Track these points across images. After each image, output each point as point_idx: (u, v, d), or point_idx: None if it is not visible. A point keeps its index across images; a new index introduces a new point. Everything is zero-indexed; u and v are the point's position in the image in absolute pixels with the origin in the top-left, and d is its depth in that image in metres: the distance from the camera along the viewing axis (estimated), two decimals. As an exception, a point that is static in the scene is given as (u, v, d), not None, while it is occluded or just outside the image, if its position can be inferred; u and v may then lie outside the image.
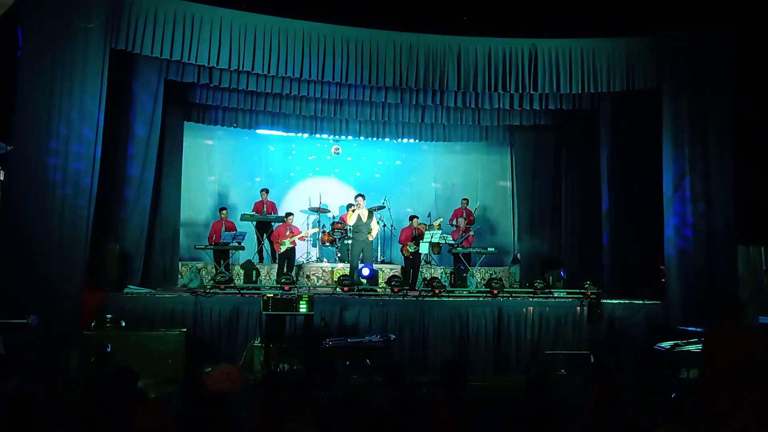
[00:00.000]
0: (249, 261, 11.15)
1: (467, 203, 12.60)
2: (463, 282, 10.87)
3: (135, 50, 9.10)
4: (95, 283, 8.97)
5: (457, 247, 11.31)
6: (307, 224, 12.76)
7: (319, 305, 8.77)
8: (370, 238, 10.56)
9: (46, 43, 8.45)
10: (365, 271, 10.19)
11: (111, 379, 4.46)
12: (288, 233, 11.09)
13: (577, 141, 12.01)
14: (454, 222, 12.21)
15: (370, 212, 10.74)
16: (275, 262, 11.49)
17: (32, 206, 8.28)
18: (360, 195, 10.75)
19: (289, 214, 11.41)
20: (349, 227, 11.04)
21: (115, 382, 4.41)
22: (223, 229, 11.18)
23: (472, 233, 11.96)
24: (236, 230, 11.05)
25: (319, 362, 8.02)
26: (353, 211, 10.65)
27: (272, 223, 11.61)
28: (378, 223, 11.38)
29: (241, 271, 11.05)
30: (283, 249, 10.98)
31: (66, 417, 4.23)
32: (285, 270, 10.93)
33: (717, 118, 9.67)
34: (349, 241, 11.32)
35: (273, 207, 12.16)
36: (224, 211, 11.60)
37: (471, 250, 11.42)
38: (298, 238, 11.21)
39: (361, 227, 10.49)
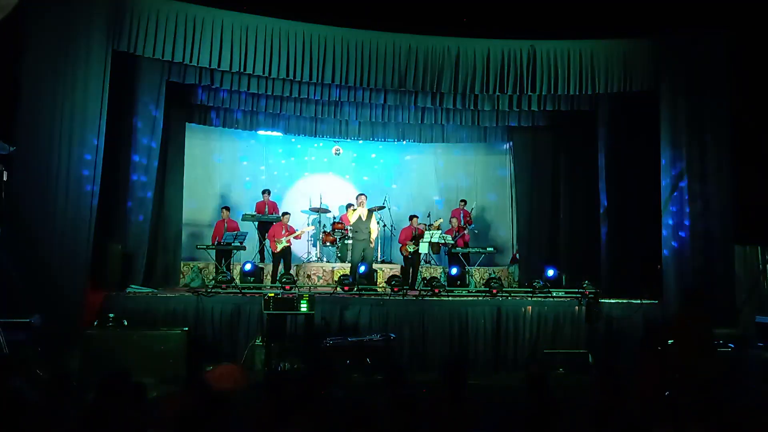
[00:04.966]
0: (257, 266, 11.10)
1: (465, 204, 12.67)
2: (461, 283, 10.91)
3: (137, 52, 9.17)
4: (98, 283, 9.03)
5: (455, 247, 11.36)
6: (308, 224, 12.83)
7: (320, 305, 8.84)
8: (372, 241, 10.65)
9: (49, 44, 8.50)
10: (361, 268, 10.31)
11: (104, 381, 4.46)
12: (284, 232, 11.14)
13: (575, 142, 12.08)
14: (451, 222, 12.27)
15: (370, 212, 10.82)
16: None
17: (35, 207, 8.35)
18: (362, 194, 10.85)
19: (285, 214, 11.47)
20: (349, 227, 11.11)
21: (108, 384, 4.42)
22: (225, 228, 11.24)
23: (467, 232, 12.02)
24: (239, 230, 11.11)
25: (319, 361, 8.10)
26: (354, 210, 10.73)
27: (273, 223, 11.68)
28: (378, 223, 11.46)
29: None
30: (279, 248, 11.04)
31: (67, 418, 4.27)
32: (282, 269, 10.97)
33: (714, 118, 9.73)
34: (350, 241, 11.39)
35: (274, 207, 12.22)
36: (226, 211, 11.64)
37: (470, 249, 11.49)
38: (294, 237, 11.28)
39: (360, 226, 10.57)
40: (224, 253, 10.78)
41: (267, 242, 11.71)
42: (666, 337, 7.05)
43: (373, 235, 10.73)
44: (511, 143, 13.38)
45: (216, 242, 11.03)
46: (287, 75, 9.84)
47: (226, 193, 13.19)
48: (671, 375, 6.34)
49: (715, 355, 6.77)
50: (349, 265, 10.94)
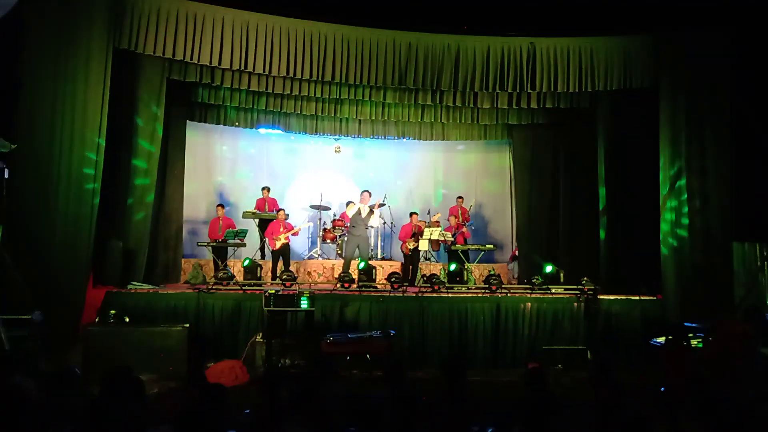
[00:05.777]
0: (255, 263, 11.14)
1: (462, 201, 12.69)
2: (460, 279, 10.95)
3: (138, 50, 9.18)
4: (99, 280, 9.08)
5: (455, 244, 11.38)
6: (307, 221, 12.87)
7: (320, 301, 8.88)
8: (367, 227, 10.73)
9: (50, 42, 8.51)
10: (361, 265, 10.32)
11: (107, 377, 4.47)
12: (281, 229, 11.17)
13: (575, 139, 12.07)
14: (449, 220, 12.31)
15: (371, 209, 10.84)
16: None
17: (36, 203, 8.36)
18: (366, 191, 10.90)
19: (279, 210, 11.49)
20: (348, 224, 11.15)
21: (110, 381, 4.44)
22: (220, 225, 11.26)
23: (465, 229, 12.05)
24: (235, 227, 11.13)
25: (319, 358, 8.14)
26: (353, 205, 10.76)
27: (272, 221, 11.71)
28: (381, 217, 11.50)
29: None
30: (278, 245, 11.07)
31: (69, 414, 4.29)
32: (281, 266, 10.99)
33: (714, 116, 9.73)
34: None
35: (274, 204, 12.24)
36: (221, 209, 11.61)
37: (470, 246, 11.52)
38: (291, 234, 11.30)
39: (358, 222, 10.59)
40: (221, 250, 10.78)
41: (267, 239, 11.76)
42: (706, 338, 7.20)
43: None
44: (510, 140, 13.39)
45: (213, 239, 11.05)
46: (287, 73, 9.86)
47: (227, 191, 13.23)
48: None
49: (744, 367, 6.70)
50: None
